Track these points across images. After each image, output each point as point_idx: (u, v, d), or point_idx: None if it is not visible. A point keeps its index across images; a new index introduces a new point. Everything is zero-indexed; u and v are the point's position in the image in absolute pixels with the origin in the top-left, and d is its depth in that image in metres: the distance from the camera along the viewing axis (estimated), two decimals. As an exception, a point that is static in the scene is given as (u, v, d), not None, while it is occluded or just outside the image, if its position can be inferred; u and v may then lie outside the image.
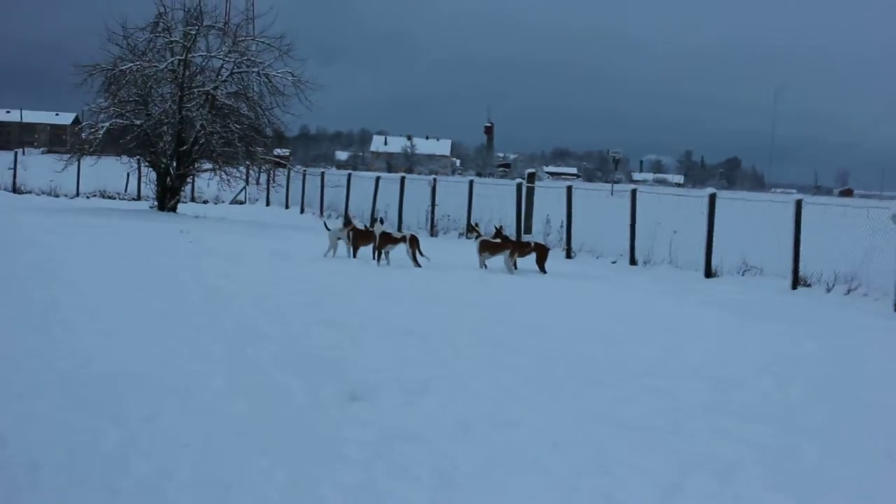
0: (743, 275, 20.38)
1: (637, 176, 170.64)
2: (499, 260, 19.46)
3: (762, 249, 20.32)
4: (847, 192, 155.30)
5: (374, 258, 19.29)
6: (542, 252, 19.75)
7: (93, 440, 6.41)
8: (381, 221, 20.20)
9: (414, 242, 19.40)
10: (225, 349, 9.60)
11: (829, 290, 18.37)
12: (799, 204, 19.39)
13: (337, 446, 6.66)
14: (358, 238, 20.11)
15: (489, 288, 16.26)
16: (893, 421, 8.41)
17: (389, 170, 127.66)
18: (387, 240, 19.38)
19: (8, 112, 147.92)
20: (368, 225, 20.66)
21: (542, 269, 19.44)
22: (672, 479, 6.40)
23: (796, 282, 18.97)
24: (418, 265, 19.00)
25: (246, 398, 7.75)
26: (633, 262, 22.78)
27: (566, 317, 13.28)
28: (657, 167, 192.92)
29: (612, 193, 45.24)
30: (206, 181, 38.29)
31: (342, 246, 20.39)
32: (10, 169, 43.74)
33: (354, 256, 20.01)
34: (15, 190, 42.50)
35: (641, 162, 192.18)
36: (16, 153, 46.95)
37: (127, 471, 5.88)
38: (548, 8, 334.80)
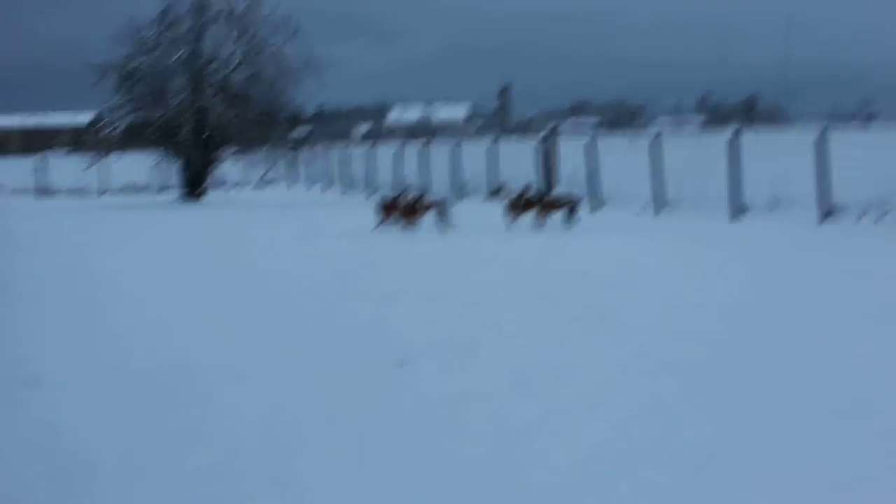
0: (773, 211, 20.28)
1: (660, 119, 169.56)
2: (526, 219, 19.44)
3: (792, 182, 20.13)
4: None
5: (403, 227, 19.34)
6: (571, 207, 19.67)
7: (152, 429, 6.48)
8: (408, 191, 20.31)
9: (442, 209, 19.45)
10: (273, 325, 9.71)
11: (859, 220, 18.23)
12: (824, 132, 19.28)
13: (395, 411, 6.74)
14: (388, 209, 19.97)
15: (517, 248, 16.32)
16: None
17: (410, 138, 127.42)
18: (415, 208, 19.44)
19: (29, 117, 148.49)
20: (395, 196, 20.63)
21: (571, 223, 19.31)
22: (728, 418, 6.43)
23: (825, 214, 18.84)
24: (447, 231, 19.05)
25: (302, 374, 7.83)
26: (658, 209, 22.71)
27: (595, 270, 13.32)
28: (676, 110, 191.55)
29: (634, 140, 45.02)
30: (229, 167, 38.46)
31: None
32: (36, 171, 43.94)
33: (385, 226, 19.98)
34: (42, 192, 42.72)
35: (659, 107, 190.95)
36: (41, 156, 47.07)
37: (186, 460, 5.92)
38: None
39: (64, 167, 44.57)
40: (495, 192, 20.86)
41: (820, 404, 6.54)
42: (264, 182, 45.42)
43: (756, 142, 22.58)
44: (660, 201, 22.82)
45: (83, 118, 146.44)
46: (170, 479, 5.52)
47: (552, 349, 8.42)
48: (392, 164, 34.18)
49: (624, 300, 10.60)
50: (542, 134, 28.84)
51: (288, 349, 8.72)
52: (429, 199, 20.55)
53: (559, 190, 26.89)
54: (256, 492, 5.32)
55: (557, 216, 19.49)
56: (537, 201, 19.84)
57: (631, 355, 8.10)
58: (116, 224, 23.33)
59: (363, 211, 20.92)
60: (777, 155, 21.51)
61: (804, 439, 5.89)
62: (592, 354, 8.20)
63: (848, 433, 5.94)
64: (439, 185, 30.50)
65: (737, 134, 21.26)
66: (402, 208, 19.44)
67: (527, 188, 20.41)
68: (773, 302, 10.43)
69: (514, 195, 20.03)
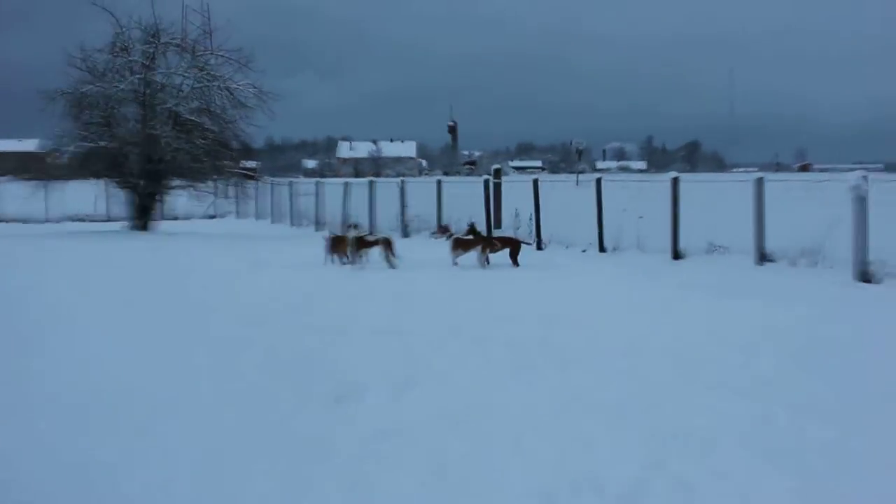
0: (711, 254, 20.62)
1: (601, 164, 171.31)
2: (472, 257, 19.62)
3: (727, 229, 20.56)
4: (805, 167, 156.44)
5: (350, 262, 19.42)
6: (514, 246, 19.91)
7: (89, 456, 6.48)
8: (356, 227, 20.43)
9: (388, 245, 19.56)
10: (210, 360, 9.71)
11: (793, 265, 18.63)
12: (759, 182, 19.64)
13: (328, 445, 6.80)
14: (335, 244, 20.11)
15: (463, 284, 16.41)
16: (854, 377, 8.64)
17: (357, 175, 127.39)
18: (362, 244, 19.57)
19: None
20: (342, 231, 20.73)
21: (515, 263, 19.58)
22: (653, 456, 6.57)
23: (762, 258, 19.22)
24: (393, 266, 19.14)
25: (234, 407, 7.87)
26: (602, 249, 22.99)
27: (539, 306, 13.45)
28: (620, 154, 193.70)
29: (577, 184, 45.51)
30: (176, 197, 38.24)
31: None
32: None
33: (333, 261, 20.02)
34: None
35: (604, 150, 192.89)
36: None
37: (122, 485, 5.94)
38: (503, 4, 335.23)
39: (8, 194, 44.09)
40: (441, 230, 20.98)
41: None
42: (213, 214, 45.29)
43: (696, 187, 22.93)
44: (604, 241, 23.10)
45: (28, 144, 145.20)
46: (105, 497, 5.54)
47: (483, 389, 8.54)
48: (341, 199, 34.22)
49: (565, 337, 10.74)
50: (486, 176, 29.06)
51: (226, 380, 8.75)
52: (375, 235, 20.67)
53: (504, 227, 27.15)
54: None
55: (502, 253, 19.75)
56: (482, 239, 20.05)
57: (562, 394, 8.24)
58: (58, 252, 23.11)
59: (311, 244, 20.91)
60: (715, 199, 21.89)
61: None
62: (520, 393, 8.32)
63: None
64: (387, 221, 30.61)
65: (676, 181, 21.61)
66: (350, 243, 19.55)
67: (472, 226, 20.59)
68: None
69: (460, 233, 20.23)
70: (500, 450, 6.71)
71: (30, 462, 6.23)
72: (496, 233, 25.48)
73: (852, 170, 19.39)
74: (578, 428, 7.21)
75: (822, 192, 19.81)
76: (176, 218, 43.78)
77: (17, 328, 11.69)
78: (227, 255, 22.08)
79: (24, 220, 41.70)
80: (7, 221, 41.88)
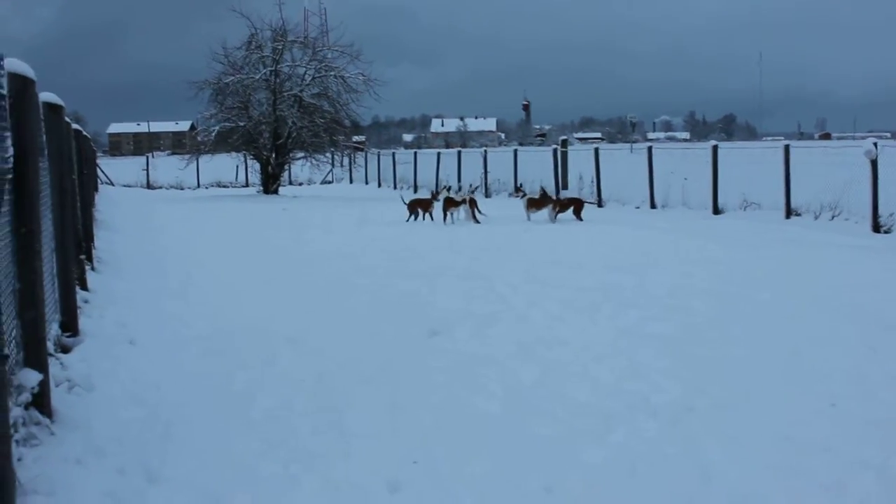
0: (745, 210, 20.14)
1: (651, 135, 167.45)
2: (543, 214, 19.42)
3: (759, 189, 20.01)
4: (825, 136, 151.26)
5: (443, 220, 19.31)
6: (578, 205, 19.66)
7: (227, 382, 6.54)
8: (448, 189, 20.29)
9: (473, 204, 19.42)
10: (325, 302, 9.74)
11: (816, 218, 18.07)
12: (787, 148, 19.13)
13: (424, 372, 6.77)
14: (413, 206, 20.04)
15: (536, 236, 16.25)
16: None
17: (447, 146, 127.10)
18: (451, 203, 19.44)
19: (138, 125, 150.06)
20: (436, 192, 20.54)
21: (579, 218, 19.34)
22: (695, 382, 6.40)
23: (788, 212, 18.69)
24: (477, 222, 19.01)
25: (345, 341, 7.87)
26: (653, 206, 22.65)
27: (600, 255, 13.23)
28: (667, 126, 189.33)
29: (631, 151, 44.63)
30: (300, 167, 38.59)
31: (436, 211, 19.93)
32: (143, 170, 44.47)
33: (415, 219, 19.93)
34: (149, 186, 43.24)
35: (654, 123, 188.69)
36: (147, 157, 47.96)
37: (255, 405, 6.00)
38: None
39: (166, 166, 45.07)
40: (517, 190, 20.76)
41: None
42: (329, 180, 45.56)
43: (732, 153, 22.35)
44: (655, 199, 22.71)
45: (182, 125, 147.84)
46: (240, 421, 5.58)
47: (553, 325, 8.42)
48: (434, 166, 34.15)
49: (621, 281, 10.55)
50: (554, 146, 28.72)
51: (338, 318, 8.77)
52: (462, 195, 20.59)
53: (570, 189, 26.82)
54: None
55: (569, 211, 19.52)
56: (552, 200, 19.86)
57: (618, 328, 8.09)
58: (208, 211, 23.47)
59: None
60: (749, 164, 21.30)
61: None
62: (583, 327, 8.19)
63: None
64: (472, 184, 30.39)
65: (716, 148, 21.11)
66: (442, 203, 19.42)
67: (542, 189, 20.40)
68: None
69: (532, 194, 20.03)
70: (567, 375, 6.61)
71: (176, 389, 6.30)
72: (563, 194, 25.17)
73: (865, 137, 18.78)
74: (632, 357, 7.07)
75: (839, 157, 19.12)
76: (300, 184, 44.13)
77: (167, 277, 11.87)
78: (339, 214, 22.18)
79: (180, 187, 42.41)
80: (167, 188, 42.68)
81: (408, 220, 19.57)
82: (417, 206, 19.96)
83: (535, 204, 19.51)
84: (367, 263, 12.69)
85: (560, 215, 19.30)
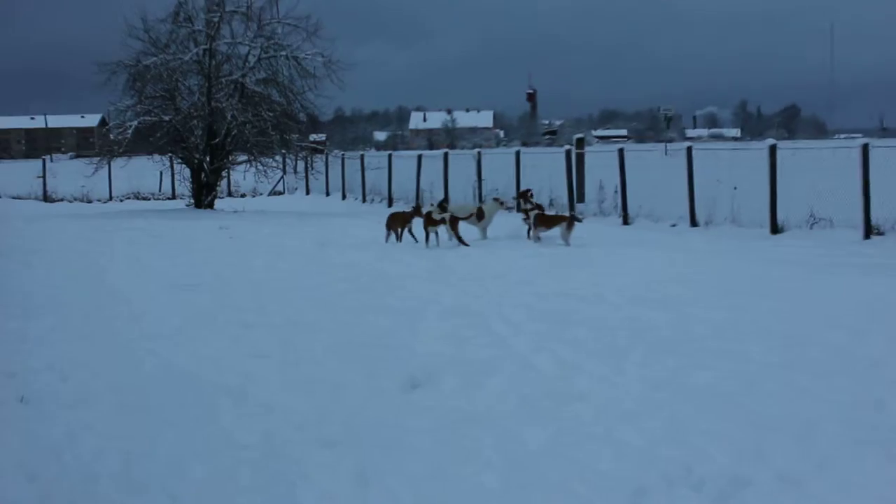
0: (812, 227, 20.22)
1: (691, 132, 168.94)
2: (556, 232, 19.45)
3: (830, 200, 20.11)
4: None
5: (425, 241, 19.34)
6: (569, 221, 19.75)
7: (148, 447, 6.52)
8: (445, 203, 20.35)
9: (454, 223, 19.40)
10: (279, 345, 9.74)
11: (903, 239, 18.18)
12: (865, 148, 19.17)
13: (401, 434, 6.76)
14: (392, 222, 20.20)
15: (540, 262, 16.28)
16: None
17: (431, 147, 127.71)
18: (431, 221, 19.42)
19: (33, 119, 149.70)
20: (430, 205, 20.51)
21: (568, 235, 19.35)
22: (751, 446, 6.42)
23: (868, 231, 18.78)
24: (465, 244, 19.04)
25: (302, 393, 7.87)
26: (693, 223, 22.74)
27: (624, 285, 13.26)
28: (712, 121, 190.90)
29: (665, 153, 44.95)
30: (241, 174, 38.56)
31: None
32: (38, 177, 44.36)
33: (398, 239, 20.04)
34: (46, 199, 43.10)
35: (695, 117, 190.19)
36: (44, 160, 47.76)
37: (185, 477, 5.97)
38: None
39: (68, 172, 44.89)
40: (523, 198, 20.75)
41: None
42: (279, 190, 45.62)
43: (796, 155, 22.51)
44: (696, 214, 22.81)
45: (90, 120, 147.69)
46: (165, 499, 5.55)
47: (566, 374, 8.45)
48: (415, 172, 34.21)
49: (651, 317, 10.59)
50: (568, 146, 28.85)
51: (295, 368, 8.77)
52: (468, 208, 20.73)
53: (588, 201, 26.95)
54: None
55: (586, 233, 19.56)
56: (564, 217, 19.93)
57: (649, 378, 8.11)
58: (123, 231, 23.45)
59: (384, 221, 20.86)
60: (817, 168, 21.47)
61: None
62: (605, 377, 8.21)
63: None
64: (462, 195, 30.49)
65: (774, 148, 21.22)
66: (424, 219, 19.45)
67: (529, 195, 20.57)
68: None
69: (535, 210, 20.04)
70: (585, 438, 6.62)
71: (81, 457, 6.25)
72: (578, 209, 25.30)
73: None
74: (669, 415, 7.08)
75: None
76: (243, 195, 44.23)
77: (68, 312, 11.82)
78: (294, 234, 22.18)
79: (86, 199, 42.36)
80: (70, 201, 42.54)
81: (386, 241, 19.68)
82: (396, 224, 20.01)
83: (545, 221, 19.57)
84: (329, 296, 12.71)
85: (575, 236, 19.26)
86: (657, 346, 9.31)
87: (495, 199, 21.39)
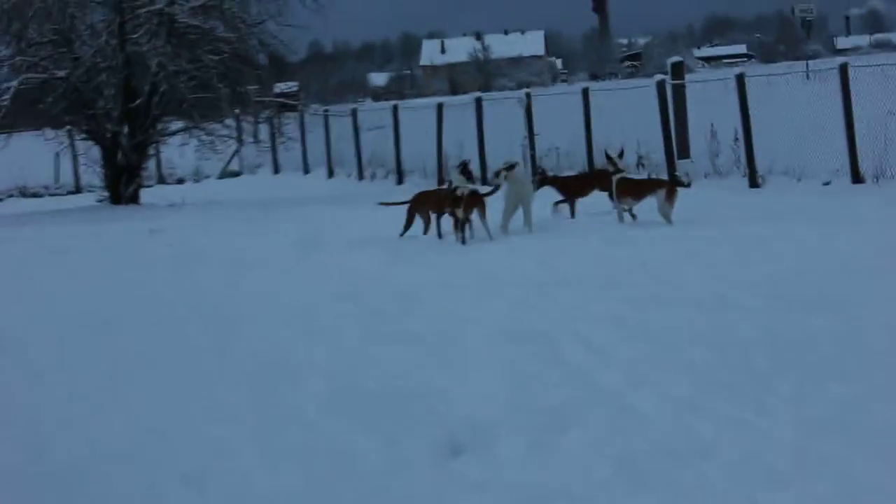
0: None
1: (843, 42, 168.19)
2: (652, 203, 19.41)
3: None
4: None
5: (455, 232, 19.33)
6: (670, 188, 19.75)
7: None
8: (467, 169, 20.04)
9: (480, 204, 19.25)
10: (249, 399, 9.75)
11: None
12: None
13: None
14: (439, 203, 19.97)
15: (631, 252, 16.26)
16: None
17: (454, 90, 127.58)
18: (455, 202, 19.28)
19: None
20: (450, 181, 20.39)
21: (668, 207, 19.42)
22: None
23: None
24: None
25: (287, 473, 7.88)
26: (856, 179, 22.62)
27: (760, 279, 13.25)
28: (874, 23, 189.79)
29: (807, 77, 44.71)
30: (177, 150, 38.52)
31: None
32: None
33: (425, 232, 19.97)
34: None
35: (847, 19, 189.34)
36: None
37: None
38: None
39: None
40: (610, 162, 20.49)
41: None
42: (237, 170, 45.62)
43: None
44: (860, 164, 22.70)
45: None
46: None
47: (680, 420, 8.45)
48: (434, 131, 34.11)
49: (802, 330, 10.54)
50: (659, 76, 28.76)
51: (276, 433, 8.79)
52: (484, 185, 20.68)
53: (695, 154, 26.88)
54: None
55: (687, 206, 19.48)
56: (660, 181, 19.93)
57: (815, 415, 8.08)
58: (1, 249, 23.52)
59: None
60: None
61: None
62: (748, 420, 8.19)
63: None
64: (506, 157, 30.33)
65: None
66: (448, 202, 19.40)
67: (644, 158, 20.56)
68: None
69: (625, 173, 19.99)
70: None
71: None
72: (679, 167, 25.29)
73: None
74: (840, 474, 7.05)
75: None
76: (180, 180, 44.33)
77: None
78: (261, 233, 22.21)
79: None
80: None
81: (402, 235, 19.66)
82: (424, 206, 19.81)
83: (634, 190, 19.49)
84: (322, 323, 12.72)
85: (674, 215, 19.14)
86: (817, 368, 9.29)
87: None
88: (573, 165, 29.18)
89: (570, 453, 7.83)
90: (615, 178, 19.75)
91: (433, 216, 19.87)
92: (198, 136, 34.92)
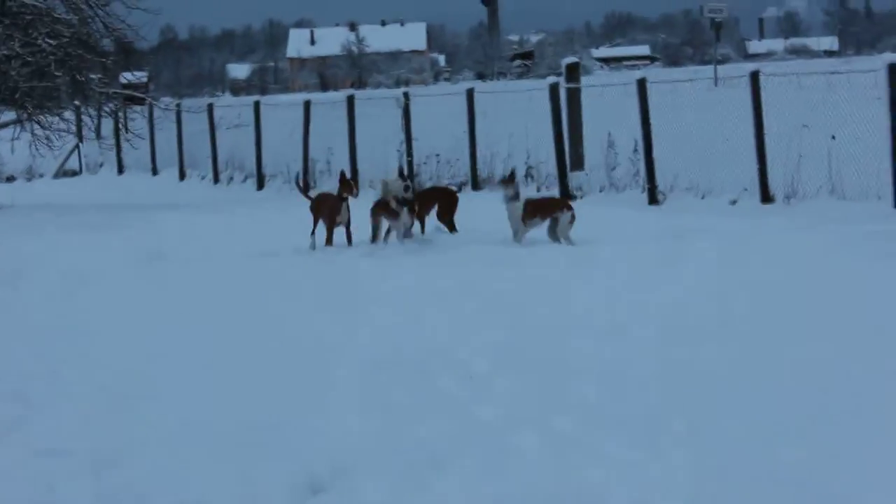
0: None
1: (755, 46, 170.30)
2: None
3: None
4: None
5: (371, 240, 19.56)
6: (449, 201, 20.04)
7: None
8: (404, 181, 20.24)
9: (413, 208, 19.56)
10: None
11: None
12: None
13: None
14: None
15: (520, 274, 16.37)
16: None
17: (325, 86, 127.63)
18: (384, 210, 19.54)
19: None
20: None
21: (450, 228, 19.91)
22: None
23: None
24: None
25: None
26: (766, 198, 22.87)
27: (658, 306, 13.40)
28: (789, 27, 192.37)
29: (715, 83, 45.27)
30: (7, 144, 38.23)
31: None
32: None
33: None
34: None
35: (761, 21, 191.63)
36: None
37: None
38: None
39: None
40: (509, 181, 20.63)
41: None
42: (75, 168, 45.31)
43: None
44: (767, 186, 22.95)
45: None
46: None
47: (570, 466, 8.52)
48: (301, 131, 34.12)
49: (700, 358, 10.66)
50: (553, 78, 28.96)
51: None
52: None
53: (590, 166, 27.07)
54: None
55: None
56: (560, 200, 20.13)
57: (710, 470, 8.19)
58: None
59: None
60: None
61: None
62: (632, 471, 8.29)
63: None
64: (380, 166, 30.30)
65: (894, 68, 21.39)
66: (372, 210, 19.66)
67: (525, 172, 20.75)
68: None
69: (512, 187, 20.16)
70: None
71: None
72: (572, 179, 25.47)
73: None
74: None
75: None
76: (10, 178, 43.92)
77: None
78: (100, 244, 22.02)
79: None
80: None
81: (373, 242, 20.04)
82: (330, 214, 19.93)
83: (540, 209, 19.59)
84: (168, 349, 12.67)
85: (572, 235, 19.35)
86: (712, 406, 9.41)
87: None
88: (456, 174, 29.26)
89: (441, 496, 7.87)
90: (524, 202, 19.88)
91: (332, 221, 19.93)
92: (31, 130, 34.66)
